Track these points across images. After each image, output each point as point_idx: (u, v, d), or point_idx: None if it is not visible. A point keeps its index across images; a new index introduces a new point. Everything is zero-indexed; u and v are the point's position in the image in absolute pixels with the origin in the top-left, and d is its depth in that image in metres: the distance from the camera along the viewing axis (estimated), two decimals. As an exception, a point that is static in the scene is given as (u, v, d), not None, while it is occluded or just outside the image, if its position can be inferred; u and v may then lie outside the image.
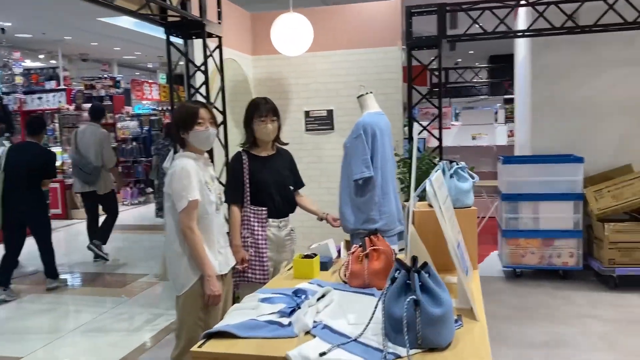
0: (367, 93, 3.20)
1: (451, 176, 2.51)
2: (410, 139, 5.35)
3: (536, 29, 5.47)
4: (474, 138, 9.33)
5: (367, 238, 2.29)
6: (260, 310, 1.94)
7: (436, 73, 5.63)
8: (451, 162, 2.56)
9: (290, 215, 3.26)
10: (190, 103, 2.94)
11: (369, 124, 3.01)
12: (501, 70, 14.23)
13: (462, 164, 2.57)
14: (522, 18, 6.44)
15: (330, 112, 5.68)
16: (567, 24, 5.35)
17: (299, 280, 2.37)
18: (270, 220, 3.12)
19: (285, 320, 1.84)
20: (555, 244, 5.39)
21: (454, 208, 2.43)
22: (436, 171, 2.53)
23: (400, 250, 3.27)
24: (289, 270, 2.59)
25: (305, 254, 2.53)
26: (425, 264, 1.74)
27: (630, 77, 5.65)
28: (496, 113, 9.92)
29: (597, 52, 5.69)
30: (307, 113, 5.76)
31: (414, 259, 1.78)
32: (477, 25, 5.65)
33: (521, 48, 6.69)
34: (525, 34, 5.59)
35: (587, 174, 5.37)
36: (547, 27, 5.37)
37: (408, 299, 1.63)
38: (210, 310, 2.70)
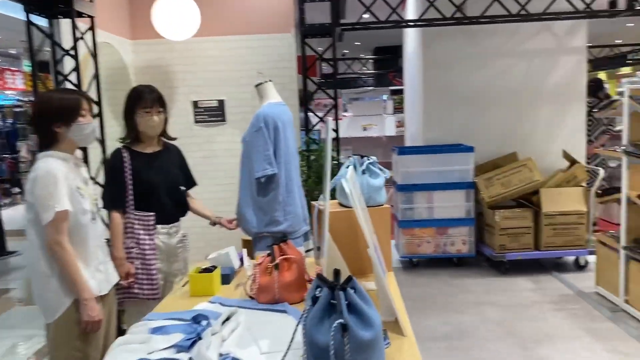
0: (266, 81, 2.91)
1: (363, 172, 2.30)
2: (307, 130, 5.14)
3: (427, 18, 5.48)
4: (364, 129, 9.37)
5: (275, 246, 2.01)
6: (151, 345, 1.59)
7: (331, 63, 5.47)
8: (362, 156, 2.35)
9: (182, 219, 2.89)
10: (64, 92, 2.47)
11: (270, 116, 2.72)
12: (386, 62, 14.56)
13: (373, 158, 2.37)
14: (411, 8, 6.47)
15: (221, 102, 5.29)
16: (456, 14, 5.42)
17: (197, 299, 2.04)
18: (159, 226, 2.72)
19: (184, 357, 1.51)
20: (449, 233, 5.47)
21: (367, 207, 2.23)
22: (347, 167, 2.31)
23: (307, 251, 3.04)
24: (184, 286, 2.23)
25: (204, 267, 2.20)
26: (350, 279, 1.50)
27: (514, 68, 5.87)
28: (384, 104, 10.05)
29: (484, 43, 5.84)
30: (195, 103, 5.32)
31: (337, 273, 1.53)
32: (365, 16, 5.56)
33: (411, 38, 6.73)
34: (417, 23, 5.59)
35: (476, 163, 5.51)
36: (438, 17, 5.40)
37: (335, 324, 1.37)
38: (89, 339, 2.27)
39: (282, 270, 1.97)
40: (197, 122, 5.33)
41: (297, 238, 2.85)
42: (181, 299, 2.09)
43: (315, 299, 1.46)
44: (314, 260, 2.55)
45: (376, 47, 15.85)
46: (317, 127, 5.33)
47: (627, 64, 16.01)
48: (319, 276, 1.53)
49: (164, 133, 2.82)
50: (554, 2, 5.30)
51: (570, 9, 5.36)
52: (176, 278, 2.80)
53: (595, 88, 7.09)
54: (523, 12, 5.33)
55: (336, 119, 5.18)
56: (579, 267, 5.37)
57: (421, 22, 5.55)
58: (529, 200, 5.32)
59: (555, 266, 5.50)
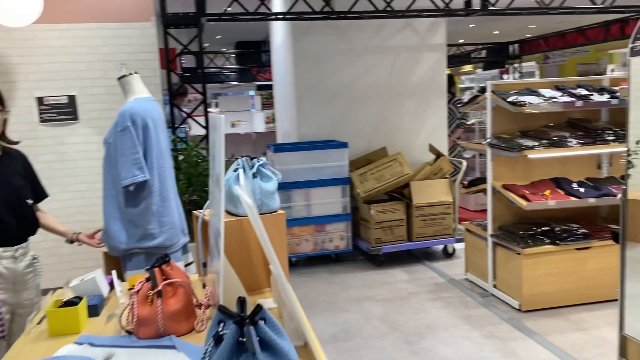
0: (131, 73, 2.51)
1: (254, 176, 2.05)
2: (173, 128, 4.73)
3: (296, 12, 5.35)
4: (233, 125, 9.04)
5: (156, 269, 1.69)
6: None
7: (194, 56, 5.11)
8: (252, 158, 2.10)
9: (31, 238, 2.41)
10: None
11: (138, 113, 2.33)
12: (249, 57, 14.28)
13: (263, 159, 2.14)
14: (278, 1, 6.29)
15: (72, 98, 4.65)
16: (325, 9, 5.35)
17: (59, 340, 1.65)
18: (1, 250, 2.23)
19: None
20: (327, 229, 5.41)
21: (260, 214, 2.00)
22: (235, 170, 2.05)
23: (187, 265, 2.71)
24: (39, 323, 1.82)
25: (65, 299, 1.80)
26: (259, 309, 1.26)
27: (381, 64, 5.96)
28: (252, 99, 9.80)
29: (353, 39, 5.85)
30: (40, 100, 4.63)
31: (242, 302, 1.28)
32: (229, 9, 5.27)
33: (279, 32, 6.56)
34: (287, 17, 5.43)
35: (349, 158, 5.50)
36: (307, 10, 5.29)
37: (247, 367, 1.13)
38: None
39: (165, 297, 1.67)
40: (43, 121, 4.64)
41: (175, 252, 2.52)
42: (38, 342, 1.69)
43: (219, 338, 1.20)
44: (197, 277, 2.25)
45: (238, 42, 15.48)
46: (183, 125, 4.94)
47: (470, 62, 17.46)
48: (221, 309, 1.27)
49: (2, 136, 2.32)
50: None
51: (431, 7, 5.56)
52: (26, 310, 2.32)
53: (448, 84, 7.50)
54: (388, 9, 5.42)
55: (206, 115, 4.84)
56: (447, 255, 5.62)
57: (290, 16, 5.41)
58: (400, 193, 5.44)
59: (425, 255, 5.69)
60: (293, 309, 1.56)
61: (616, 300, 4.04)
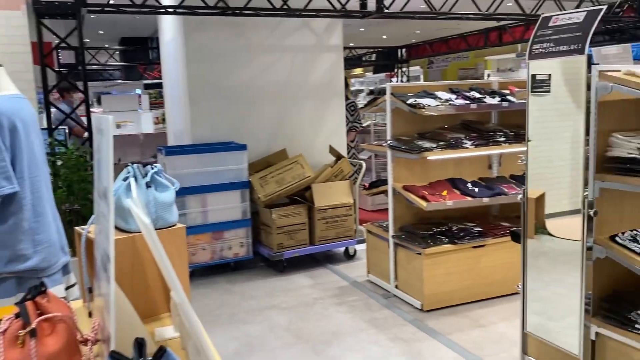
0: (-7, 66, 2.12)
1: (147, 185, 1.80)
2: (50, 130, 4.23)
3: (188, 6, 5.05)
4: (118, 126, 8.44)
5: (28, 302, 1.39)
6: None
7: (74, 51, 4.63)
8: (145, 164, 1.84)
9: None
10: None
11: (3, 113, 1.96)
12: (136, 54, 13.50)
13: (158, 166, 1.88)
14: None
15: None
16: (219, 4, 5.10)
17: None
18: None
19: None
20: (225, 237, 5.15)
21: (156, 229, 1.75)
22: (125, 179, 1.78)
23: (69, 287, 2.36)
24: None
25: None
26: (162, 351, 1.03)
27: (278, 63, 5.79)
28: (140, 99, 9.23)
29: (249, 37, 5.63)
30: None
31: (141, 345, 1.05)
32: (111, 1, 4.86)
33: (169, 27, 6.17)
34: (177, 10, 5.10)
35: (248, 161, 5.28)
36: (200, 4, 5.01)
37: None
38: None
39: (41, 336, 1.37)
40: None
41: (53, 274, 2.16)
42: None
43: (112, 395, 0.97)
44: (81, 303, 1.94)
45: (122, 38, 14.57)
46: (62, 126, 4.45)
47: (362, 65, 17.89)
48: (114, 355, 1.03)
49: None
50: (314, -1, 5.37)
51: (328, 7, 5.50)
52: None
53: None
54: (285, 7, 5.28)
55: (88, 115, 4.38)
56: (349, 256, 5.59)
57: (182, 10, 5.09)
58: (302, 196, 5.32)
59: (327, 258, 5.62)
60: (200, 342, 1.34)
61: (510, 295, 4.23)
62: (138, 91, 10.82)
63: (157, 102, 8.89)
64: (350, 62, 16.62)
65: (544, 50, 2.61)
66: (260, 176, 5.22)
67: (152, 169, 1.86)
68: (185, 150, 5.03)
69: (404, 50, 15.27)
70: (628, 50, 3.57)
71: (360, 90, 17.74)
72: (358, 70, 21.34)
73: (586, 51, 2.41)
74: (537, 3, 6.23)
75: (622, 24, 7.13)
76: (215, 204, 5.04)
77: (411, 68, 16.62)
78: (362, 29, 13.38)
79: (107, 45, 14.87)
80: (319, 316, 4.20)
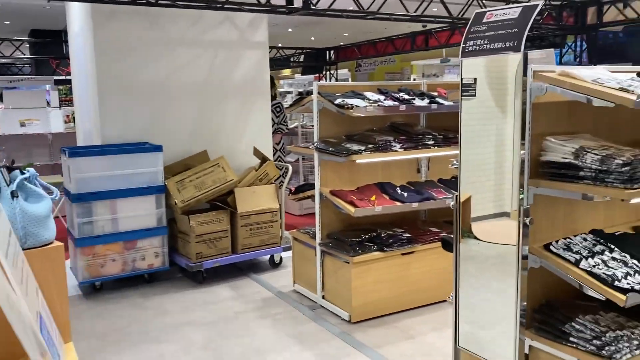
0: None
1: (14, 195, 1.44)
2: None
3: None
4: (22, 125, 7.71)
5: None
6: None
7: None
8: (10, 168, 1.48)
9: None
10: None
11: None
12: (47, 47, 12.55)
13: (31, 171, 1.53)
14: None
15: None
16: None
17: None
18: None
19: None
20: (138, 246, 4.72)
21: (24, 250, 1.40)
22: (-18, 188, 1.42)
23: None
24: None
25: None
26: None
27: (198, 59, 5.41)
28: (48, 95, 8.49)
29: (166, 29, 5.21)
30: None
31: None
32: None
33: (77, 17, 5.63)
34: (84, -3, 4.63)
35: (165, 164, 4.86)
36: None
37: None
38: None
39: None
40: None
41: None
42: None
43: None
44: None
45: (33, 30, 13.51)
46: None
47: (290, 66, 17.66)
48: None
49: None
50: (238, -8, 5.06)
51: (252, 1, 5.20)
52: None
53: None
54: (207, -1, 4.93)
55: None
56: (274, 265, 5.31)
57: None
58: (224, 201, 4.97)
59: (251, 267, 5.31)
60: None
61: (439, 302, 4.11)
62: (47, 87, 10.00)
63: (67, 99, 8.21)
64: (278, 63, 16.36)
65: (477, 47, 2.46)
66: (178, 180, 4.83)
67: (22, 174, 1.50)
68: (92, 152, 4.55)
69: (332, 52, 15.19)
70: (551, 54, 3.54)
71: (289, 92, 17.52)
72: (287, 71, 21.11)
73: (522, 49, 2.28)
74: (463, 7, 6.24)
75: (542, 31, 7.32)
76: (127, 211, 4.59)
77: (339, 71, 16.60)
78: (290, 30, 13.14)
79: (15, 37, 13.73)
80: (241, 332, 3.89)
